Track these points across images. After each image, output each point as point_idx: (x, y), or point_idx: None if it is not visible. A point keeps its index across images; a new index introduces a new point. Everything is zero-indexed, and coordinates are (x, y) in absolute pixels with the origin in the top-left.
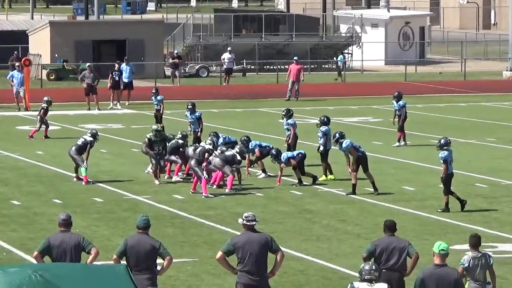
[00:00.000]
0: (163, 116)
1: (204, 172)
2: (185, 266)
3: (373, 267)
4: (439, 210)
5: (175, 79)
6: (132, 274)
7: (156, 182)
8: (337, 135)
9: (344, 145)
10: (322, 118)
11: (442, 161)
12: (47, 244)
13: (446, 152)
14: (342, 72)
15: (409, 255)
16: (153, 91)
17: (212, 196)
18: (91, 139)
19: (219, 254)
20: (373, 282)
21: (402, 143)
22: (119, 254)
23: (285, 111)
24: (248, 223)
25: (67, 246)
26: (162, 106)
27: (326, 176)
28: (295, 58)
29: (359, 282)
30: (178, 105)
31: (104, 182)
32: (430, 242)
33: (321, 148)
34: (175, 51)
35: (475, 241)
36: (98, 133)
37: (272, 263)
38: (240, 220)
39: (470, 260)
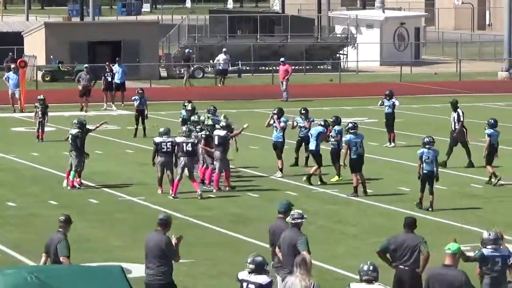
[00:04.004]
0: (146, 117)
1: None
2: (181, 266)
3: (371, 267)
4: (429, 210)
5: (188, 79)
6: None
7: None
8: (350, 124)
9: (348, 137)
10: (335, 118)
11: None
12: (144, 243)
13: (422, 150)
14: (222, 76)
15: (421, 253)
16: (139, 91)
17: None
18: (77, 130)
19: (277, 248)
20: (373, 282)
21: (392, 144)
22: (271, 245)
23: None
24: (293, 221)
25: (151, 245)
26: (146, 107)
27: (339, 176)
28: (282, 59)
29: (357, 283)
30: (173, 106)
31: (99, 183)
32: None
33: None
34: (186, 50)
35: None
36: (83, 121)
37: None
38: (288, 218)
39: None
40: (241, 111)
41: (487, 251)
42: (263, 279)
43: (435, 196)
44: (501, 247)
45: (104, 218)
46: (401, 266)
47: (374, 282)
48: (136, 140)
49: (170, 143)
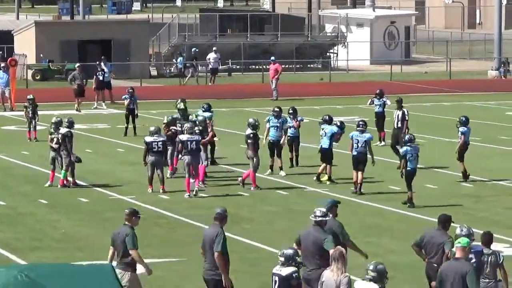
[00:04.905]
0: (137, 116)
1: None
2: (173, 266)
3: (371, 267)
4: (406, 204)
5: (192, 78)
6: None
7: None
8: (358, 122)
9: (351, 134)
10: (326, 116)
11: (401, 156)
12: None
13: (405, 148)
14: (187, 76)
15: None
16: (130, 90)
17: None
18: (66, 130)
19: (294, 244)
20: (375, 282)
21: (383, 143)
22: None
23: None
24: (316, 219)
25: (207, 239)
26: (136, 106)
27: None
28: (272, 58)
29: (360, 281)
30: (164, 105)
31: (90, 182)
32: None
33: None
34: (193, 49)
35: (487, 239)
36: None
37: None
38: (311, 217)
39: None
40: (231, 110)
41: None
42: (286, 271)
43: (426, 194)
44: (473, 243)
45: (94, 217)
46: (430, 262)
47: (376, 283)
48: (126, 139)
49: (161, 143)
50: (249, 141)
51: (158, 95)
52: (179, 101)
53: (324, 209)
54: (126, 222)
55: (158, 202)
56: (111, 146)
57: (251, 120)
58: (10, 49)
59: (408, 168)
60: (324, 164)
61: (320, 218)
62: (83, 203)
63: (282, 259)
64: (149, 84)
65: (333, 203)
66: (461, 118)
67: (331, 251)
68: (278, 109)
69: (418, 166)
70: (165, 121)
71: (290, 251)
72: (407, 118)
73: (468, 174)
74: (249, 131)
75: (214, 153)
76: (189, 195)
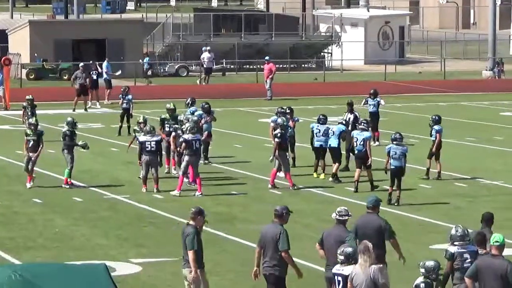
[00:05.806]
0: (131, 115)
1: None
2: (166, 265)
3: (420, 263)
4: (395, 204)
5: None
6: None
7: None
8: (363, 122)
9: (352, 132)
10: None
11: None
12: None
13: (390, 145)
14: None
15: None
16: (125, 89)
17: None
18: (71, 129)
19: (316, 244)
20: (424, 278)
21: (377, 143)
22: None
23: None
24: (340, 218)
25: (268, 236)
26: (131, 105)
27: (321, 171)
28: (266, 58)
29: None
30: (158, 104)
31: (84, 181)
32: (410, 241)
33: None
34: (203, 48)
35: (481, 239)
36: (74, 120)
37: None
38: (333, 215)
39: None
40: (225, 110)
41: (454, 248)
42: (348, 270)
43: (421, 193)
44: (469, 243)
45: (88, 216)
46: None
47: (424, 278)
48: (120, 139)
49: (154, 142)
50: (276, 140)
51: (152, 94)
52: (188, 100)
53: (347, 208)
54: (190, 222)
55: (152, 202)
56: (106, 145)
57: (279, 120)
58: (4, 48)
59: (392, 167)
60: (337, 164)
61: (347, 217)
62: (77, 203)
63: (341, 257)
64: (143, 83)
65: (378, 200)
66: (434, 117)
67: (359, 247)
68: (282, 110)
69: (415, 166)
70: (140, 120)
71: (349, 249)
72: (359, 121)
73: (428, 173)
74: (277, 131)
75: (208, 153)
76: (179, 194)
